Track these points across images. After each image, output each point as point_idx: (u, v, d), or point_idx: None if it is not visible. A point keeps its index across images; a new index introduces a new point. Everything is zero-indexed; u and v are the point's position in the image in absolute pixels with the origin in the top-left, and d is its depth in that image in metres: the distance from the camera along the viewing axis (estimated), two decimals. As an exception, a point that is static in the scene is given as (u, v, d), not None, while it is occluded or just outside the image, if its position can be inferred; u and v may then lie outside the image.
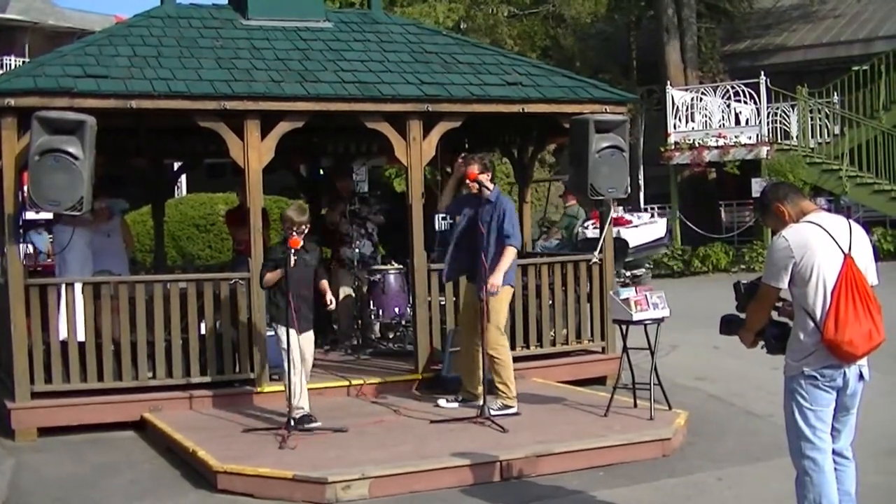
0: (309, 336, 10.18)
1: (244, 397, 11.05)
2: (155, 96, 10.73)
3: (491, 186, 10.54)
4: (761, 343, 6.55)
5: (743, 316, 6.63)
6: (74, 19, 48.26)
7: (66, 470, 9.47)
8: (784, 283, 6.16)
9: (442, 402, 10.82)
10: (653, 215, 22.14)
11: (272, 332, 11.04)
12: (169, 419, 10.41)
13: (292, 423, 9.50)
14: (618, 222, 20.47)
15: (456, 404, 10.76)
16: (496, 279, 10.25)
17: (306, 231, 10.10)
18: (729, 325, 6.75)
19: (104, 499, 8.59)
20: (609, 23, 36.27)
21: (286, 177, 16.46)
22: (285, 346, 9.85)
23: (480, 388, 10.41)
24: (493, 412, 10.18)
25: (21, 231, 11.37)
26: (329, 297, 10.47)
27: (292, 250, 9.76)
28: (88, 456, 9.90)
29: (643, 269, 13.46)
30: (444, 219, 20.21)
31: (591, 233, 20.73)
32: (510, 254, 10.40)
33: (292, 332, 9.82)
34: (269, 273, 10.02)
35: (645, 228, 16.11)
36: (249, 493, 8.48)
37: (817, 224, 6.19)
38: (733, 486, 8.59)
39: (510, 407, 10.41)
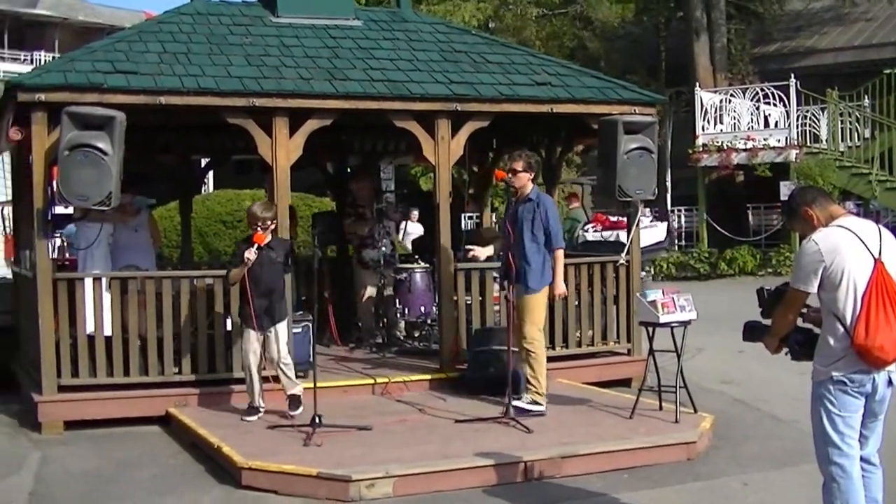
0: (275, 333, 10.34)
1: (269, 394, 10.96)
2: (184, 93, 10.76)
3: (520, 185, 10.47)
4: (785, 349, 6.50)
5: (767, 322, 6.58)
6: (104, 15, 48.58)
7: (91, 463, 9.49)
8: (814, 288, 6.11)
9: (517, 402, 10.36)
10: (653, 219, 22.07)
11: (298, 329, 11.08)
12: (194, 414, 10.44)
13: (317, 420, 9.44)
14: (616, 226, 20.42)
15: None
16: (559, 286, 10.49)
17: (272, 227, 10.37)
18: (752, 332, 6.70)
19: (128, 493, 8.59)
20: (637, 24, 36.15)
21: (313, 174, 16.45)
22: (242, 345, 10.42)
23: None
24: (522, 404, 10.17)
25: (51, 226, 11.41)
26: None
27: (255, 246, 10.05)
28: (113, 450, 9.92)
29: (643, 273, 13.46)
30: (470, 218, 20.24)
31: (592, 236, 20.70)
32: (560, 258, 10.46)
33: (250, 331, 10.23)
34: (234, 270, 10.30)
35: (644, 232, 16.11)
36: (273, 489, 8.46)
37: (847, 228, 6.15)
38: (758, 491, 8.52)
39: (539, 404, 10.36)
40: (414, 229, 19.64)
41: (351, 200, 14.18)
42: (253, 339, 10.24)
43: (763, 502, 8.31)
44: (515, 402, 10.15)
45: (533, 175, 10.56)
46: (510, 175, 10.47)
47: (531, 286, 10.33)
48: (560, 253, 10.43)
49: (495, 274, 12.04)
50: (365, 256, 13.78)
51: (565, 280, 12.10)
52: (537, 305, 10.44)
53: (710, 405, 11.00)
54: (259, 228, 10.10)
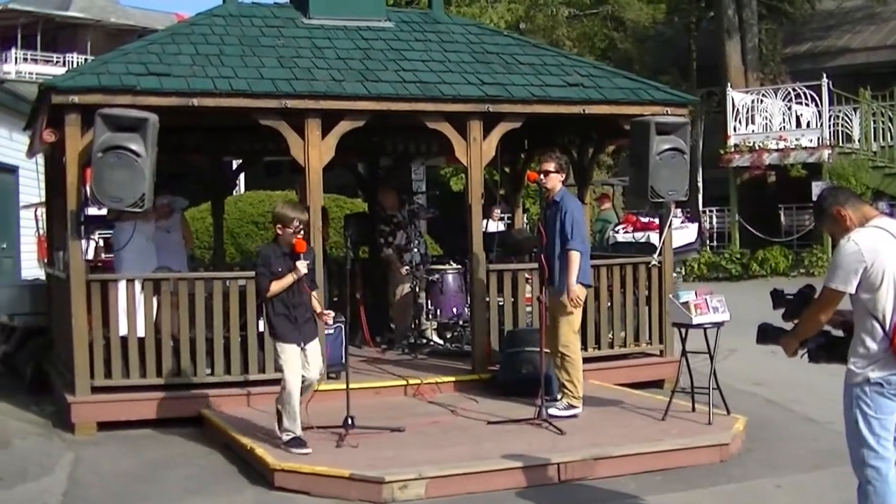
0: (315, 346, 9.43)
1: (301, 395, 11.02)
2: (216, 94, 10.78)
3: (551, 186, 10.44)
4: (802, 352, 6.42)
5: (781, 325, 6.52)
6: (136, 17, 48.78)
7: (124, 464, 9.52)
8: (853, 288, 6.03)
9: (553, 410, 10.33)
10: (684, 220, 22.04)
11: (331, 330, 11.04)
12: (226, 416, 10.45)
13: (350, 421, 9.41)
14: (647, 227, 20.36)
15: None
16: (570, 293, 10.19)
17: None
18: (766, 334, 6.63)
19: (161, 494, 8.61)
20: (668, 24, 36.04)
21: (344, 175, 16.47)
22: (284, 363, 9.17)
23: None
24: (558, 412, 10.14)
25: (93, 227, 11.46)
26: (325, 314, 9.66)
27: (301, 255, 9.15)
28: (146, 451, 9.95)
29: (673, 274, 13.44)
30: (501, 219, 20.20)
31: (622, 237, 20.67)
32: (573, 259, 10.20)
33: (293, 347, 9.19)
34: (274, 283, 9.12)
35: (675, 233, 16.07)
36: (306, 490, 8.46)
37: (885, 229, 6.09)
38: (792, 493, 8.47)
39: (574, 407, 10.34)
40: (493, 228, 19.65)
41: (384, 214, 14.19)
42: (298, 355, 9.19)
43: (797, 505, 8.23)
44: (551, 411, 10.12)
45: (563, 176, 10.56)
46: (542, 176, 10.42)
47: (561, 287, 10.28)
48: (573, 255, 10.18)
49: (527, 275, 12.05)
50: (404, 259, 13.77)
51: (597, 281, 12.17)
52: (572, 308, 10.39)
53: (743, 407, 10.93)
54: (300, 233, 9.18)
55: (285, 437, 9.10)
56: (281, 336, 9.20)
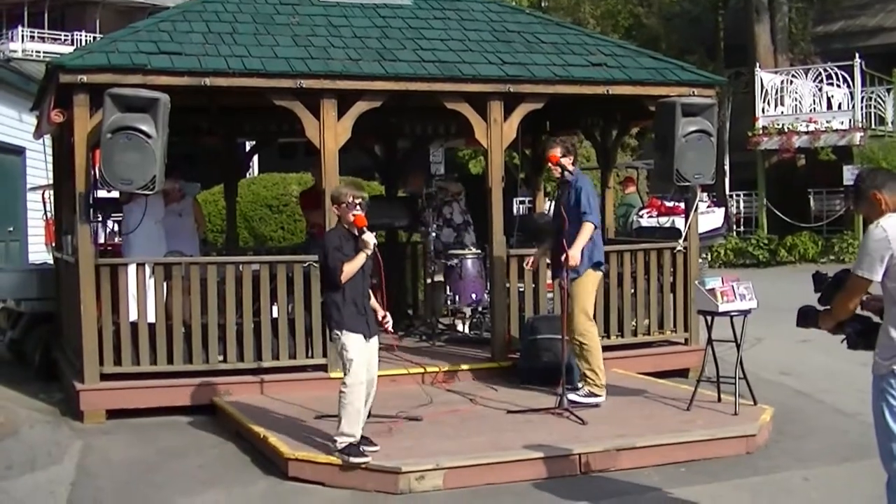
0: (377, 342, 8.84)
1: (316, 383, 10.86)
2: (230, 74, 10.58)
3: (572, 169, 10.27)
4: (842, 337, 6.24)
5: (822, 308, 6.31)
6: (146, -6, 48.55)
7: (134, 453, 9.39)
8: (878, 276, 5.82)
9: (573, 396, 10.16)
10: (710, 205, 21.88)
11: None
12: (239, 404, 10.29)
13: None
14: (672, 211, 20.14)
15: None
16: (574, 251, 9.97)
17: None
18: (806, 317, 6.45)
19: (172, 483, 8.48)
20: (695, 2, 35.71)
21: (360, 157, 16.26)
22: (352, 356, 8.43)
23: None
24: (578, 398, 9.98)
25: (109, 208, 11.32)
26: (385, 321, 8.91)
27: (364, 230, 8.47)
28: (157, 439, 9.82)
29: (699, 260, 13.26)
30: (522, 202, 20.02)
31: (646, 221, 20.46)
32: (587, 229, 10.04)
33: (360, 337, 8.53)
34: (348, 264, 8.42)
35: (701, 218, 15.83)
36: (320, 481, 8.33)
37: None
38: (820, 486, 8.28)
39: (597, 395, 10.16)
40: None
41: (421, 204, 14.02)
42: (366, 348, 8.54)
43: (825, 498, 8.06)
44: (571, 396, 9.94)
45: (573, 157, 10.38)
46: (551, 164, 10.32)
47: (575, 270, 10.14)
48: (587, 226, 10.03)
49: (549, 260, 11.84)
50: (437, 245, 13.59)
51: (620, 266, 11.99)
52: (583, 290, 10.24)
53: (770, 397, 10.72)
54: (360, 208, 8.51)
55: (340, 444, 8.35)
56: (351, 326, 8.44)
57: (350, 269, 8.40)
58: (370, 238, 8.46)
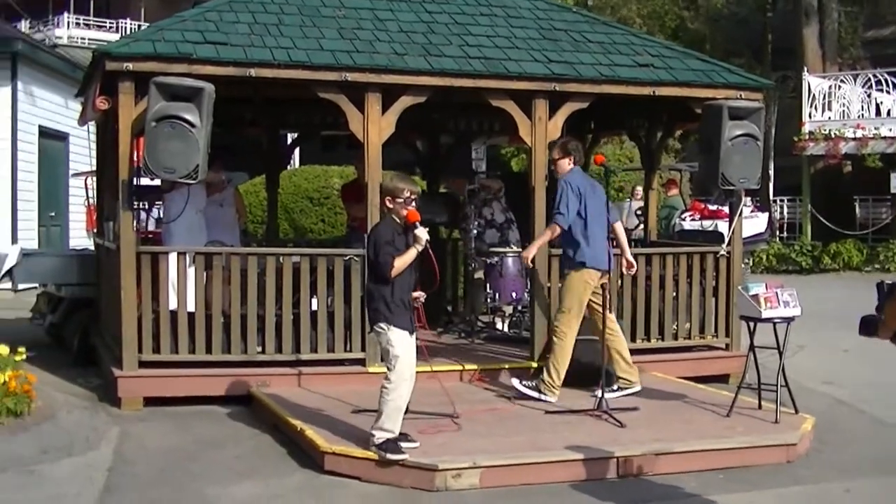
0: (415, 337, 8.65)
1: (353, 377, 10.84)
2: (275, 65, 10.55)
3: (563, 169, 10.55)
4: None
5: (881, 317, 6.21)
6: (192, -18, 48.69)
7: (171, 441, 9.39)
8: None
9: (515, 381, 10.53)
10: (754, 209, 21.73)
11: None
12: (276, 396, 10.27)
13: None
14: (716, 215, 19.99)
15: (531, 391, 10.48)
16: (527, 251, 10.69)
17: None
18: (868, 326, 6.33)
19: (209, 472, 8.47)
20: (742, 4, 35.47)
21: (403, 151, 16.23)
22: (399, 353, 8.33)
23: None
24: (523, 385, 10.34)
25: (138, 198, 11.31)
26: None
27: (417, 225, 8.38)
28: (193, 428, 9.81)
29: (742, 265, 13.15)
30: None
31: (689, 224, 20.30)
32: (548, 229, 10.52)
33: (405, 333, 8.42)
34: (398, 259, 8.31)
35: (744, 223, 15.66)
36: (357, 476, 8.27)
37: None
38: (861, 498, 8.16)
39: (543, 394, 10.27)
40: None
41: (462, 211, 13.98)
42: (411, 344, 8.46)
43: (867, 510, 7.91)
44: (515, 381, 10.45)
45: (573, 158, 10.60)
46: (551, 166, 10.63)
47: (562, 270, 10.56)
48: (551, 227, 10.49)
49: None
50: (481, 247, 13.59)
51: (662, 269, 11.98)
52: (565, 290, 10.49)
53: (812, 406, 10.59)
54: (411, 204, 8.41)
55: (378, 439, 8.27)
56: (398, 322, 8.34)
57: (401, 263, 8.29)
58: (423, 234, 8.36)
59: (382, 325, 8.35)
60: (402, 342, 8.32)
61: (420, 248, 8.37)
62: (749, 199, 20.45)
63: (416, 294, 8.64)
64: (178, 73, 10.10)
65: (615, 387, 10.31)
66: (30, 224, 21.12)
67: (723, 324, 12.34)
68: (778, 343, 9.82)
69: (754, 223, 21.84)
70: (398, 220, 8.44)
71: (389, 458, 8.16)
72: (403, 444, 8.32)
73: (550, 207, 10.72)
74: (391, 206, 8.43)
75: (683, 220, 20.85)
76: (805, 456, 9.20)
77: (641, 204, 16.63)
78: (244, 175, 13.42)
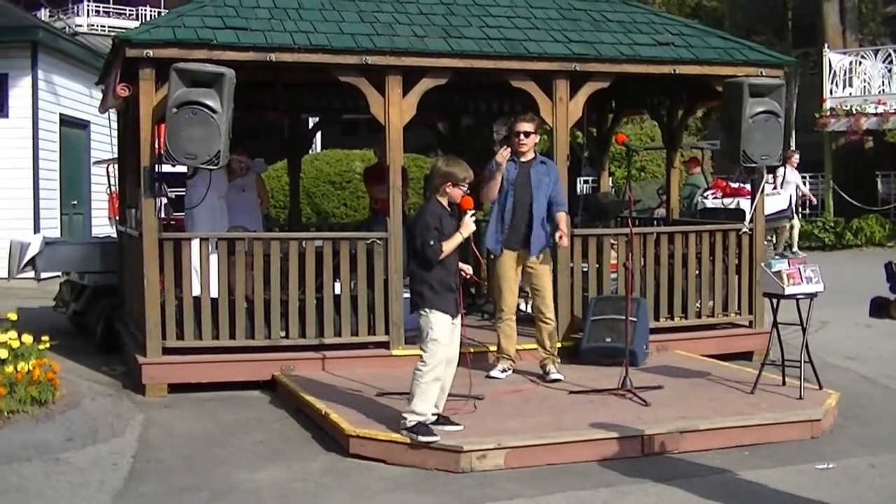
0: (459, 321, 8.61)
1: (377, 360, 10.87)
2: (295, 49, 10.56)
3: (531, 146, 10.65)
4: None
5: (894, 298, 6.20)
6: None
7: (195, 427, 9.43)
8: None
9: (494, 372, 10.61)
10: (775, 186, 21.67)
11: (408, 294, 10.76)
12: (300, 380, 10.29)
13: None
14: (737, 192, 19.93)
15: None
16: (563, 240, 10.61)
17: None
18: (879, 308, 6.34)
19: (233, 458, 8.49)
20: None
21: (424, 134, 16.21)
22: (437, 336, 8.25)
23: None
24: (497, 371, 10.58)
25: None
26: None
27: (470, 212, 8.40)
28: (218, 414, 9.85)
29: (764, 243, 13.19)
30: (586, 182, 19.84)
31: (711, 202, 20.26)
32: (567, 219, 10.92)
33: (448, 318, 8.37)
34: (446, 243, 8.30)
35: (766, 200, 15.61)
36: (381, 458, 8.29)
37: None
38: (887, 474, 8.12)
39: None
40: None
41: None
42: (451, 329, 8.41)
43: (892, 485, 7.88)
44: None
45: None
46: (522, 136, 10.46)
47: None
48: (566, 216, 10.73)
49: (612, 241, 11.79)
50: None
51: (685, 247, 11.96)
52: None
53: (836, 382, 10.60)
54: (465, 190, 8.43)
55: (409, 422, 8.26)
56: (441, 306, 8.28)
57: (448, 248, 8.30)
58: (472, 221, 8.39)
59: (426, 308, 8.31)
60: (442, 327, 8.28)
61: (465, 234, 8.38)
62: (771, 176, 20.37)
63: (463, 266, 8.64)
64: (199, 58, 10.12)
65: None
66: (52, 213, 21.18)
67: (746, 301, 12.35)
68: (801, 319, 9.80)
69: (776, 200, 21.79)
70: (444, 204, 8.45)
71: (420, 441, 8.16)
72: (446, 428, 8.37)
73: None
74: (448, 190, 8.41)
75: (706, 198, 20.81)
76: (829, 432, 9.20)
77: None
78: (262, 162, 13.39)
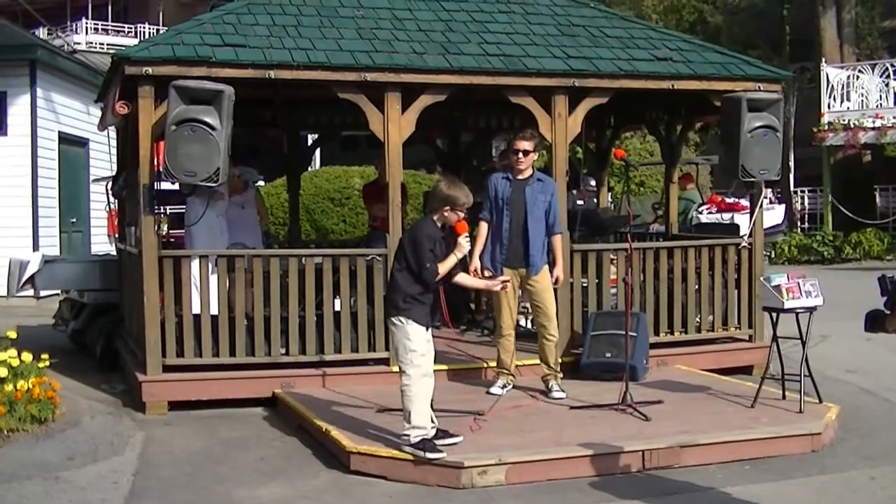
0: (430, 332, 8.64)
1: (377, 377, 10.84)
2: (294, 66, 10.57)
3: (528, 164, 10.63)
4: None
5: (888, 312, 6.20)
6: (209, -14, 48.73)
7: (196, 445, 9.41)
8: None
9: (494, 388, 10.59)
10: (771, 201, 21.71)
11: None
12: (301, 397, 10.28)
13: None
14: (732, 207, 19.98)
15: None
16: (559, 273, 10.65)
17: None
18: (874, 322, 6.35)
19: (235, 475, 8.47)
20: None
21: (423, 150, 16.23)
22: (416, 347, 8.29)
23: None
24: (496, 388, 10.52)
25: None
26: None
27: (465, 237, 8.48)
28: (218, 431, 9.84)
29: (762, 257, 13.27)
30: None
31: (706, 218, 20.31)
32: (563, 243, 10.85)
33: (423, 329, 8.38)
34: (441, 265, 8.37)
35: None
36: (383, 475, 8.29)
37: None
38: (888, 486, 8.12)
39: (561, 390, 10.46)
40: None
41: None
42: (428, 339, 8.46)
43: (893, 497, 7.88)
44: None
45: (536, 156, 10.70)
46: (521, 155, 10.43)
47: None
48: (563, 238, 10.76)
49: (612, 256, 11.79)
50: None
51: (684, 262, 12.00)
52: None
53: (836, 395, 10.62)
54: (462, 215, 8.44)
55: (413, 438, 8.25)
56: (416, 316, 8.32)
57: (443, 270, 8.38)
58: (467, 244, 8.49)
59: (401, 318, 8.34)
60: (419, 337, 8.31)
61: (460, 256, 8.45)
62: (769, 190, 20.42)
63: (461, 240, 8.55)
64: (198, 76, 10.13)
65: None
66: (51, 230, 21.15)
67: (745, 315, 12.34)
68: (801, 333, 9.82)
69: (771, 215, 21.87)
70: (439, 226, 8.48)
71: (427, 458, 8.14)
72: (445, 441, 8.37)
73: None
74: (446, 213, 8.42)
75: (701, 213, 20.85)
76: (830, 445, 9.21)
77: None
78: (253, 171, 13.39)
